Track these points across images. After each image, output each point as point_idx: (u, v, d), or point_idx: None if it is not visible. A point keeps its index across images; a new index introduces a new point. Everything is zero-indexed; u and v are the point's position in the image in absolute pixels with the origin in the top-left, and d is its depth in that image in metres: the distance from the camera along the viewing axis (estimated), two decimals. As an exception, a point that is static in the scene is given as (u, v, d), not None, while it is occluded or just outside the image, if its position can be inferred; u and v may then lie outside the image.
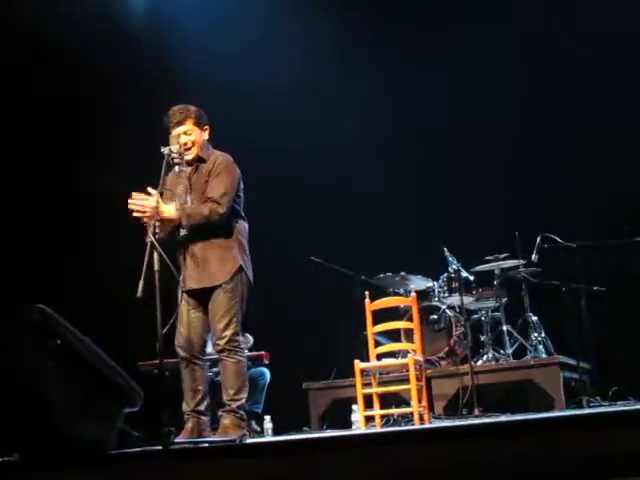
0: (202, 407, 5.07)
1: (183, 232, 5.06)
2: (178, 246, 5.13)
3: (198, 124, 5.17)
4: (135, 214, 4.81)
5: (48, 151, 7.98)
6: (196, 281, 5.06)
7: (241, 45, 8.25)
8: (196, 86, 7.98)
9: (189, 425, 5.02)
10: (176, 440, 4.57)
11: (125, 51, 8.22)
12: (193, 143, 5.13)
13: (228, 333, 4.99)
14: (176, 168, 5.07)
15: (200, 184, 5.12)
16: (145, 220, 4.77)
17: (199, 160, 5.17)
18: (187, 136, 5.10)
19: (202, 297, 5.09)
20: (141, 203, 4.79)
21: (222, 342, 4.99)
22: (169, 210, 4.93)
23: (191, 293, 5.09)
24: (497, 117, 7.86)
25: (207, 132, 5.24)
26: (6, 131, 7.74)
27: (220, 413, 5.04)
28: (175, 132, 5.07)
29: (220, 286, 5.03)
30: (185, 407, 5.08)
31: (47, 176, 7.96)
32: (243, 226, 5.22)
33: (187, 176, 5.17)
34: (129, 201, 4.82)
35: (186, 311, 5.08)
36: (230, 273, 5.05)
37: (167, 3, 8.50)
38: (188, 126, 5.12)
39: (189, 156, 5.13)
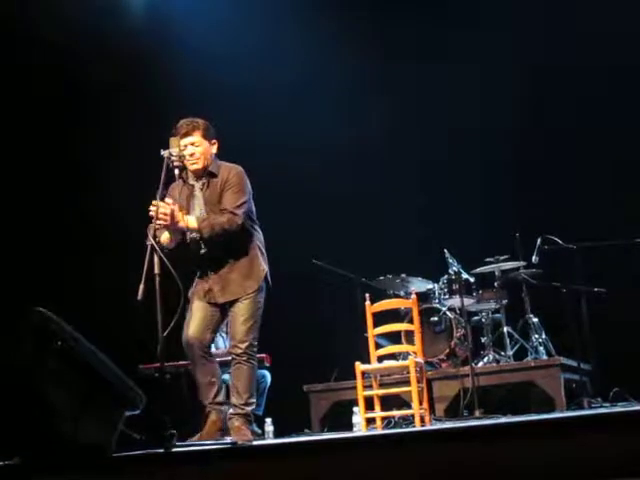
0: (220, 398, 5.12)
1: (204, 250, 5.12)
2: (199, 261, 5.18)
3: (206, 137, 5.20)
4: (158, 221, 4.76)
5: (48, 151, 7.98)
6: (224, 295, 5.14)
7: (241, 46, 8.24)
8: (196, 86, 8.00)
9: (213, 417, 5.05)
10: (194, 437, 4.64)
11: (125, 51, 8.23)
12: (201, 154, 5.15)
13: (249, 337, 5.09)
14: (176, 171, 5.05)
15: (213, 198, 5.16)
16: (160, 227, 4.80)
17: (210, 175, 5.20)
18: (195, 147, 5.13)
19: (224, 304, 5.17)
20: (162, 211, 4.80)
21: (243, 346, 5.07)
22: (187, 220, 4.99)
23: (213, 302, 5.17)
24: (497, 117, 7.87)
25: (215, 146, 5.27)
26: (6, 131, 7.75)
27: (230, 415, 5.07)
28: (183, 142, 5.05)
29: (247, 294, 5.14)
30: (205, 401, 5.09)
31: (47, 176, 7.96)
32: (260, 236, 5.32)
33: (200, 190, 5.19)
34: (151, 208, 4.79)
35: (202, 308, 5.13)
36: (258, 283, 5.18)
37: (168, 4, 8.51)
38: (196, 138, 5.16)
39: (195, 166, 5.15)
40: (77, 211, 8.06)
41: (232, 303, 5.14)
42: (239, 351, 5.06)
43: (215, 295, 5.14)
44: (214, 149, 5.26)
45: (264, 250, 5.31)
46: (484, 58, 7.98)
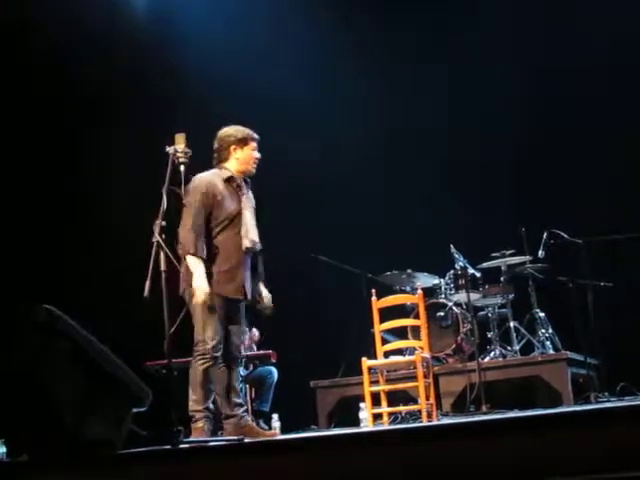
0: (211, 405, 5.16)
1: (249, 246, 5.19)
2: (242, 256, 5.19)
3: None
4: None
5: (48, 151, 7.99)
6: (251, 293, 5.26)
7: (242, 45, 8.25)
8: (196, 86, 8.01)
9: (201, 425, 5.04)
10: (187, 439, 4.61)
11: (125, 51, 8.24)
12: None
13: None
14: (182, 167, 5.05)
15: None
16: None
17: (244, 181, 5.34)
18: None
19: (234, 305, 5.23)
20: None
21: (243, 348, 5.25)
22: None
23: (232, 301, 5.18)
24: (498, 114, 7.87)
25: None
26: (6, 131, 7.75)
27: (242, 414, 5.11)
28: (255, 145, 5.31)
29: None
30: (195, 406, 5.08)
31: (47, 176, 7.97)
32: None
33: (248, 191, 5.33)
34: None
35: (224, 314, 5.13)
36: None
37: (167, 4, 8.51)
38: None
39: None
40: (77, 210, 8.07)
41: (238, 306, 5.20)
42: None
43: (246, 292, 5.18)
44: None
45: None
46: (484, 58, 7.96)
